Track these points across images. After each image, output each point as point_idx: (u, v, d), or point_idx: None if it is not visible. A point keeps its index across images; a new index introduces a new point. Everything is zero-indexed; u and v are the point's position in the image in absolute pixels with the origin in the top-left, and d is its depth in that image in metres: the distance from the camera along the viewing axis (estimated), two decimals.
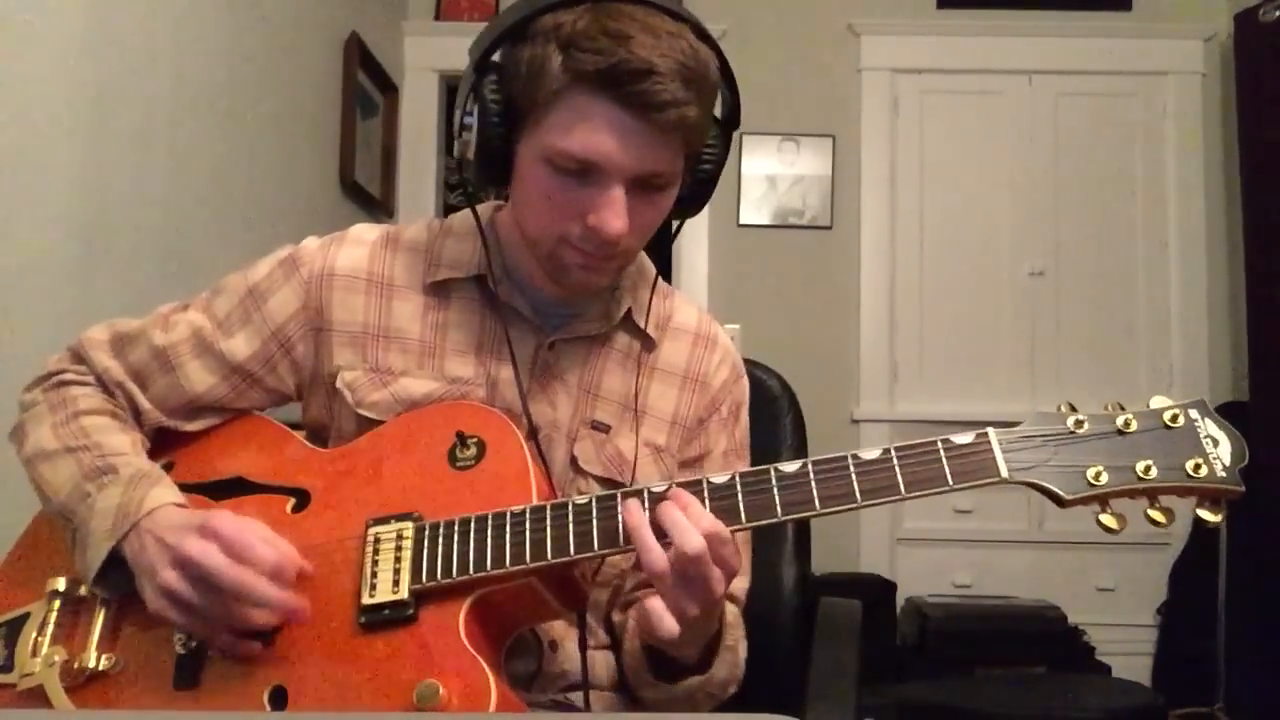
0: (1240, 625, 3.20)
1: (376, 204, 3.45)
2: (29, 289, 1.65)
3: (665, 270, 4.21)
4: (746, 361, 1.45)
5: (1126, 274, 3.75)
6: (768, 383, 1.44)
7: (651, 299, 1.08)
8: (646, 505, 0.86)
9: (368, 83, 3.36)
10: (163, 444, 1.06)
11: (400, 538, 0.90)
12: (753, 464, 1.07)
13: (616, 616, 1.10)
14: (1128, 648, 3.46)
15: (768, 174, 3.79)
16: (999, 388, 3.68)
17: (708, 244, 3.78)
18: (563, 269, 0.98)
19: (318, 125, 2.98)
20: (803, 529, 1.40)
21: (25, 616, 0.97)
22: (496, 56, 0.96)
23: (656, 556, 0.83)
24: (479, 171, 0.97)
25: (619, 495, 0.88)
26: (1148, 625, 3.53)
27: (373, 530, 0.91)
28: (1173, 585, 3.51)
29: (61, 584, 0.96)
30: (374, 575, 0.89)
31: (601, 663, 1.08)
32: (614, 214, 0.92)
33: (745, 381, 1.17)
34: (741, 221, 3.79)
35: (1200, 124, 3.75)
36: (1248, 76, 3.51)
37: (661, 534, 0.84)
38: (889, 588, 3.37)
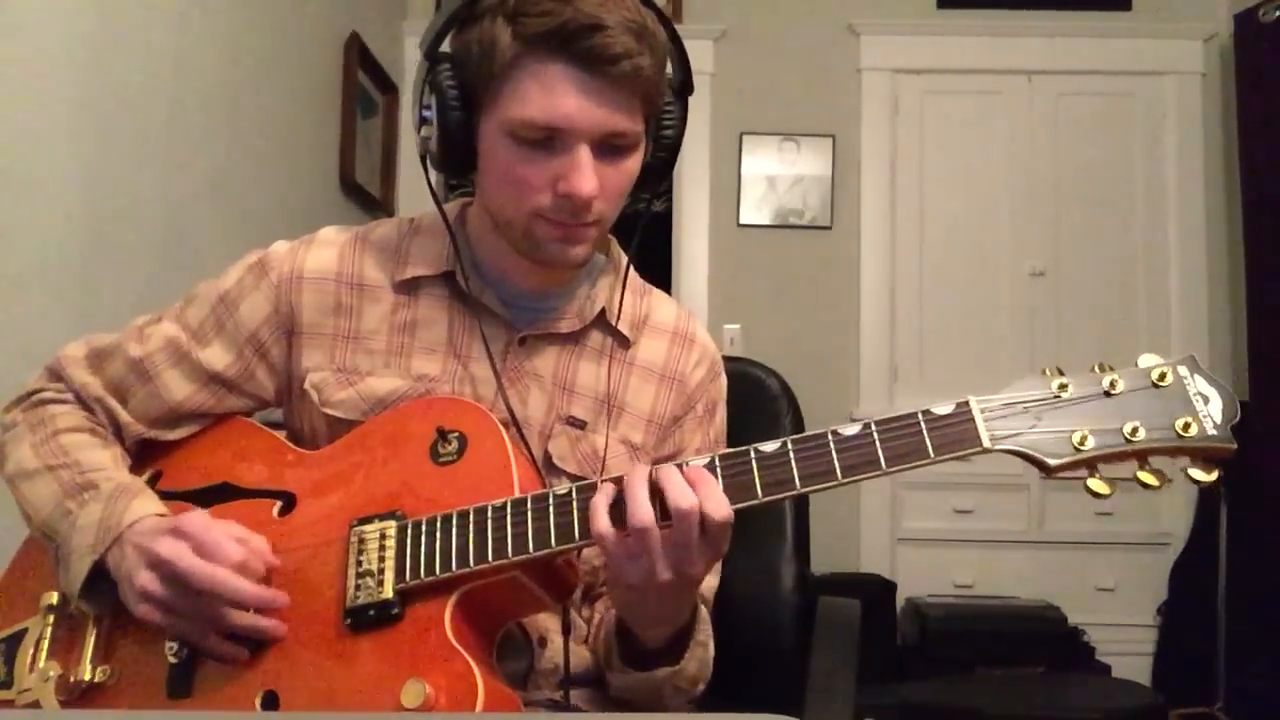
0: (1240, 625, 3.20)
1: (376, 204, 3.45)
2: (29, 289, 1.65)
3: (665, 270, 4.18)
4: (746, 361, 1.46)
5: (1126, 274, 3.75)
6: (767, 383, 1.44)
7: (623, 296, 1.08)
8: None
9: (368, 83, 3.36)
10: (149, 453, 1.06)
11: (384, 537, 0.90)
12: None
13: (586, 612, 1.10)
14: (1128, 648, 3.46)
15: (768, 174, 3.79)
16: (999, 388, 3.66)
17: (708, 244, 3.78)
18: (539, 245, 0.97)
19: (318, 125, 2.98)
20: (802, 528, 1.40)
21: (23, 632, 0.97)
22: (446, 45, 0.96)
23: (645, 512, 0.82)
24: (444, 162, 0.98)
25: (599, 484, 0.87)
26: (1148, 625, 3.53)
27: (356, 530, 0.91)
28: (1173, 585, 3.51)
29: (54, 598, 0.96)
30: (358, 576, 0.89)
31: (587, 657, 1.08)
32: (583, 176, 0.92)
33: (723, 380, 1.16)
34: (741, 221, 3.78)
35: (1200, 124, 3.74)
36: (1248, 76, 3.51)
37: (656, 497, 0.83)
38: (889, 588, 3.37)
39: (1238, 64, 3.56)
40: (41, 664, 0.93)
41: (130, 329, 1.08)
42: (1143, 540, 3.55)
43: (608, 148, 0.94)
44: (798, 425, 1.42)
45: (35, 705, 0.92)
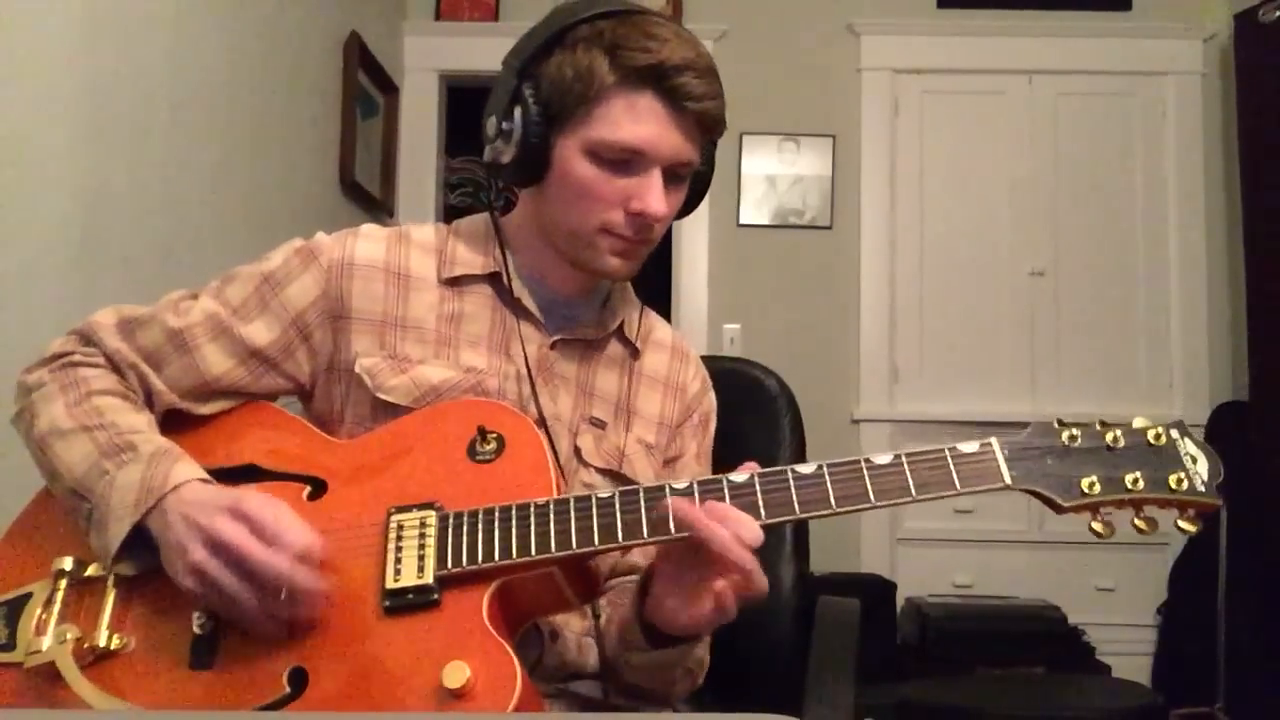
0: (1240, 625, 3.20)
1: (376, 204, 3.45)
2: (28, 289, 1.65)
3: (665, 270, 4.19)
4: (746, 362, 1.47)
5: (1126, 274, 3.75)
6: (767, 383, 1.44)
7: (641, 316, 1.19)
8: (697, 498, 0.91)
9: (368, 83, 3.36)
10: (171, 430, 1.05)
11: (424, 525, 0.92)
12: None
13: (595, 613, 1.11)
14: (1128, 648, 3.46)
15: (768, 174, 3.79)
16: (999, 388, 3.68)
17: (708, 244, 3.77)
18: (598, 255, 1.06)
19: (318, 125, 2.98)
20: (801, 528, 1.40)
21: (26, 596, 0.96)
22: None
23: (743, 555, 0.88)
24: (517, 172, 1.05)
25: (640, 491, 0.92)
26: (1148, 625, 3.53)
27: (395, 517, 0.93)
28: (1173, 585, 3.51)
29: (68, 563, 0.96)
30: (398, 560, 0.91)
31: (594, 651, 1.10)
32: (656, 197, 1.02)
33: (713, 395, 1.25)
34: (741, 221, 3.78)
35: (1200, 124, 3.74)
36: (1248, 76, 3.51)
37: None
38: (889, 588, 3.37)
39: (1238, 64, 3.56)
40: (53, 627, 0.93)
41: (166, 301, 1.09)
42: (1143, 540, 3.51)
43: (672, 175, 1.04)
44: (797, 425, 1.42)
45: (46, 669, 0.91)
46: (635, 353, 1.18)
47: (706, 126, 1.05)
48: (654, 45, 0.99)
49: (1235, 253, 3.63)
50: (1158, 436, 0.92)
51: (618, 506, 0.91)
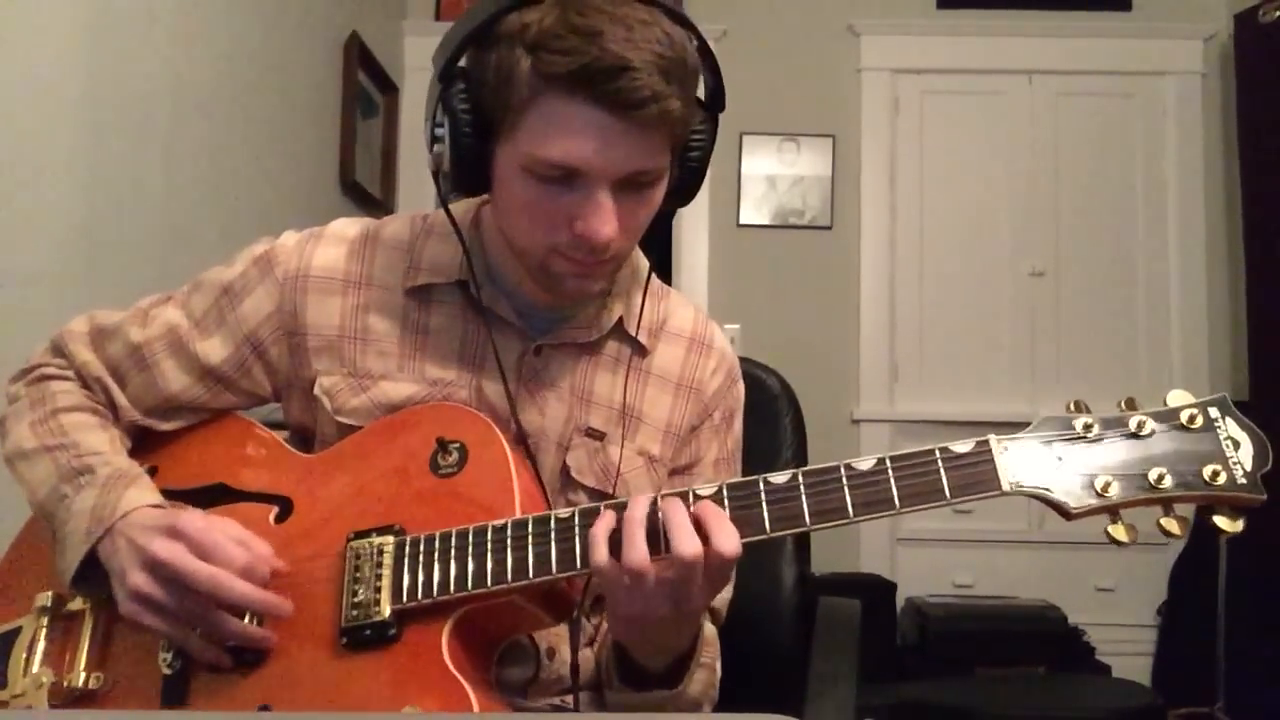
0: (1240, 625, 3.20)
1: (376, 204, 3.45)
2: (29, 289, 1.64)
3: (665, 270, 4.18)
4: (746, 361, 1.45)
5: (1126, 274, 3.75)
6: (767, 382, 1.44)
7: (644, 303, 1.04)
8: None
9: (368, 83, 3.36)
10: (146, 447, 1.04)
11: (380, 553, 0.88)
12: (751, 466, 1.06)
13: (595, 618, 1.08)
14: (1128, 648, 3.46)
15: (768, 174, 3.79)
16: (999, 388, 3.68)
17: (708, 244, 3.77)
18: (555, 279, 0.94)
19: (318, 125, 2.98)
20: None
21: (16, 631, 0.96)
22: (462, 62, 0.91)
23: (640, 555, 0.81)
24: (456, 184, 0.93)
25: (601, 508, 0.85)
26: (1148, 625, 3.53)
27: (353, 545, 0.90)
28: (1173, 585, 3.50)
29: (48, 599, 0.95)
30: (355, 594, 0.87)
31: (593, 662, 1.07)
32: (601, 220, 0.87)
33: (740, 387, 1.13)
34: (741, 221, 3.78)
35: (1200, 124, 3.74)
36: (1248, 76, 3.51)
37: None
38: (889, 588, 3.37)
39: (1238, 64, 3.56)
40: (35, 668, 0.92)
41: (135, 310, 1.06)
42: (1143, 540, 3.49)
43: (630, 184, 0.89)
44: (798, 425, 1.42)
45: (29, 710, 0.91)
46: (641, 350, 1.04)
47: (668, 129, 0.88)
48: (580, 43, 0.82)
49: (1235, 253, 3.63)
50: (1193, 418, 0.79)
51: (577, 528, 0.84)
